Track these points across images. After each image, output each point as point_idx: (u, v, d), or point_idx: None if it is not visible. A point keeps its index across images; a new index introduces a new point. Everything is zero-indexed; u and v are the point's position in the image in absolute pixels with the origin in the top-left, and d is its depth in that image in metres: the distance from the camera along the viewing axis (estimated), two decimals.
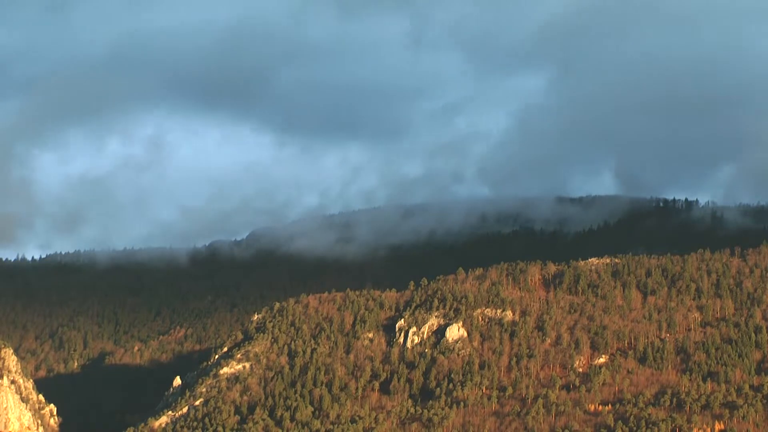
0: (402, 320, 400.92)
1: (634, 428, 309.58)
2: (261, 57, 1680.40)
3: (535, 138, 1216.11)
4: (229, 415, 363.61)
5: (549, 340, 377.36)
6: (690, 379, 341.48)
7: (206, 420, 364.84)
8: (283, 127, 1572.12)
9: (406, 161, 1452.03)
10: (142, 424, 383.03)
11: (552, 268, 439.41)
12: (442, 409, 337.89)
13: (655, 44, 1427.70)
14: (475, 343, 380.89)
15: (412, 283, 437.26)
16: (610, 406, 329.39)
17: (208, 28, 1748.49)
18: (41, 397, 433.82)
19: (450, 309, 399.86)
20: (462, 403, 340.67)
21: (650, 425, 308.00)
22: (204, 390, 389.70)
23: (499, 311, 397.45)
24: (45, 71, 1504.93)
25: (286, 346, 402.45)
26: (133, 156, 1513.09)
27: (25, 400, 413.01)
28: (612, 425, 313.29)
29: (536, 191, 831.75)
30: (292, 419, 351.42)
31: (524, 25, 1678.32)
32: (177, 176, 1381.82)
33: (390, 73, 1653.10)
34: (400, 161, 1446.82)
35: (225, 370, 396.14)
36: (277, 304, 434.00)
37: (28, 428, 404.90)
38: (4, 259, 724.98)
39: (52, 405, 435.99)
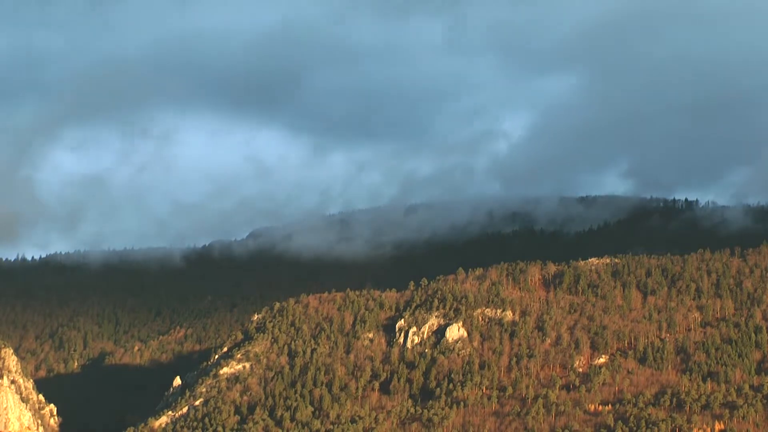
0: (402, 320, 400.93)
1: (634, 428, 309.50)
2: (297, 60, 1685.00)
3: (554, 138, 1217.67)
4: (229, 415, 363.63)
5: (549, 340, 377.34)
6: (690, 379, 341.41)
7: (206, 420, 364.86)
8: (305, 129, 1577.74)
9: (417, 161, 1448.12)
10: (142, 424, 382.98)
11: (552, 268, 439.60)
12: (442, 409, 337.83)
13: (684, 47, 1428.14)
14: (475, 343, 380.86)
15: (412, 283, 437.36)
16: (610, 406, 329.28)
17: (246, 31, 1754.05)
18: (41, 397, 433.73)
19: (450, 309, 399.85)
20: (462, 403, 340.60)
21: (650, 425, 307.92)
22: (204, 390, 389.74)
23: (499, 311, 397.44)
24: (79, 70, 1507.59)
25: (286, 346, 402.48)
26: (143, 156, 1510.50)
27: (25, 400, 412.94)
28: (612, 425, 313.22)
29: (546, 191, 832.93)
30: (292, 419, 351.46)
31: (559, 28, 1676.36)
32: (182, 177, 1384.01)
33: (422, 75, 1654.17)
34: (412, 161, 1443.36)
35: (225, 370, 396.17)
36: (277, 304, 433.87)
37: (28, 428, 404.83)
38: (4, 259, 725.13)
39: (52, 405, 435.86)
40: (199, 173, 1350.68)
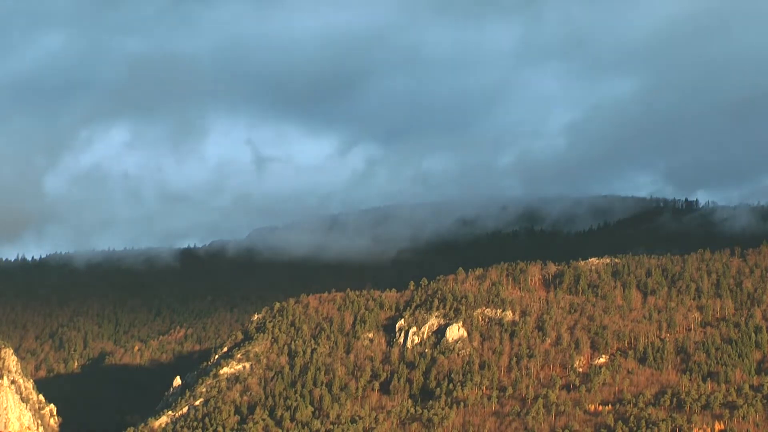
0: (402, 320, 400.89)
1: (634, 428, 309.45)
2: (358, 66, 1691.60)
3: (591, 141, 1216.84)
4: (229, 415, 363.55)
5: (549, 340, 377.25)
6: (690, 379, 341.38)
7: (206, 420, 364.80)
8: (338, 132, 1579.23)
9: (438, 161, 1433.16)
10: (142, 424, 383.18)
11: (552, 268, 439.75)
12: (442, 409, 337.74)
13: (742, 49, 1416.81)
14: (475, 343, 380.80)
15: (412, 283, 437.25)
16: (610, 406, 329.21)
17: (314, 36, 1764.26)
18: (41, 397, 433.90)
19: (450, 309, 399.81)
20: (462, 403, 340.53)
21: (650, 425, 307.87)
22: (204, 390, 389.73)
23: (499, 311, 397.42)
24: (136, 69, 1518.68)
25: (286, 346, 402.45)
26: (160, 154, 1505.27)
27: (25, 400, 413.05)
28: (612, 425, 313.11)
29: (564, 192, 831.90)
30: (292, 419, 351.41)
31: (628, 31, 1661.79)
32: (193, 175, 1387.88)
33: (483, 80, 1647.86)
34: (432, 161, 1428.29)
35: (225, 370, 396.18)
36: (277, 304, 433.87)
37: (28, 428, 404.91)
38: (4, 259, 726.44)
39: (52, 405, 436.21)
40: (210, 171, 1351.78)
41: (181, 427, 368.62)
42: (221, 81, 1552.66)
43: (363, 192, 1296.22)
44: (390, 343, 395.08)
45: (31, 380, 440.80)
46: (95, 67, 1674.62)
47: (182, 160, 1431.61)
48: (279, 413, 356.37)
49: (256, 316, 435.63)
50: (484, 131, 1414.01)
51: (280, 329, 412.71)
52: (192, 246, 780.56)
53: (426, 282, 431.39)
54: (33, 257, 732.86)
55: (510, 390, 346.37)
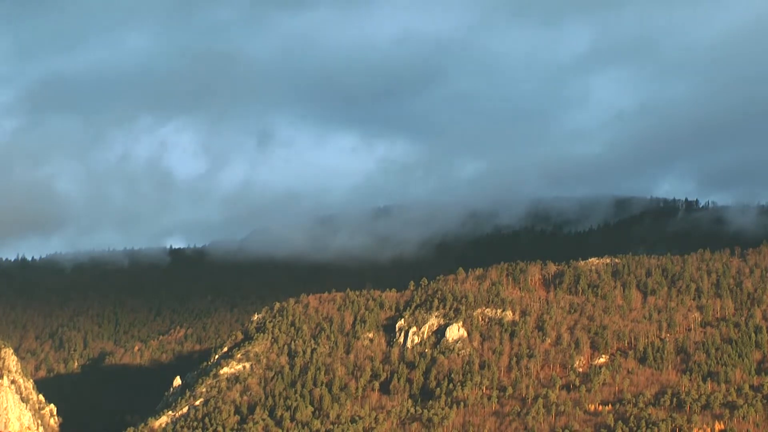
0: (402, 320, 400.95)
1: (634, 428, 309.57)
2: (426, 67, 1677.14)
3: (624, 143, 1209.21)
4: (229, 415, 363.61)
5: (549, 340, 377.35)
6: (690, 379, 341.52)
7: (206, 420, 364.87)
8: (366, 134, 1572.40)
9: (457, 161, 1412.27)
10: (142, 424, 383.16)
11: (552, 268, 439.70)
12: (442, 409, 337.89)
13: None
14: (475, 343, 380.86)
15: (412, 283, 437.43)
16: (610, 406, 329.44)
17: (384, 41, 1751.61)
18: (41, 397, 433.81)
19: (450, 309, 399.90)
20: (462, 403, 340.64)
21: (650, 425, 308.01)
22: (204, 390, 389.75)
23: (499, 311, 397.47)
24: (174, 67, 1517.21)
25: (286, 346, 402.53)
26: (157, 154, 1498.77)
27: (25, 400, 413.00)
28: (612, 425, 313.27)
29: (580, 193, 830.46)
30: (292, 419, 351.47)
31: (700, 36, 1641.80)
32: (195, 175, 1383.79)
33: (542, 83, 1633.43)
34: (450, 161, 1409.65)
35: (225, 370, 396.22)
36: (277, 304, 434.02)
37: (28, 428, 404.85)
38: (4, 259, 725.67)
39: (52, 405, 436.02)
40: (216, 169, 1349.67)
41: (181, 427, 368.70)
42: (270, 82, 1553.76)
43: (369, 191, 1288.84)
44: (390, 343, 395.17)
45: (31, 380, 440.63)
46: (150, 67, 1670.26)
47: (197, 158, 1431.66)
48: (279, 413, 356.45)
49: (256, 316, 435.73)
50: (524, 133, 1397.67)
51: (280, 329, 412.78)
52: (193, 245, 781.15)
53: (426, 282, 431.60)
54: (33, 257, 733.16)
55: (510, 390, 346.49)
